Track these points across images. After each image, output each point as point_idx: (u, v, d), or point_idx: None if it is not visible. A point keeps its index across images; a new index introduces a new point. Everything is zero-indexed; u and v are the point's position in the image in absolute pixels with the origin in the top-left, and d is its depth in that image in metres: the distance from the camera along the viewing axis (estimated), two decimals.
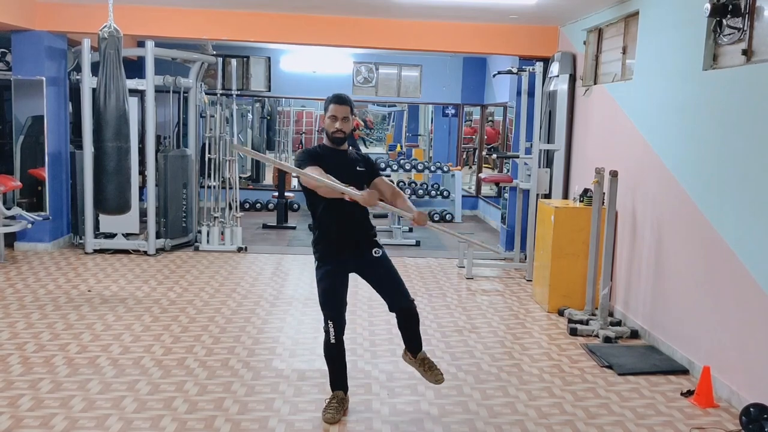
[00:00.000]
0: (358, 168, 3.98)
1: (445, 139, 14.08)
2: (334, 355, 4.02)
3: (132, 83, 7.70)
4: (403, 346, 4.16)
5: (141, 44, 8.35)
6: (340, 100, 3.97)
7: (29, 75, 8.05)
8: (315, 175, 3.63)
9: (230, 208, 8.83)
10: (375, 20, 8.28)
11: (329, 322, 3.94)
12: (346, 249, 3.97)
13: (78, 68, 8.32)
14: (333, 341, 3.96)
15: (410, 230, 10.17)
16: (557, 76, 7.75)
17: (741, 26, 4.52)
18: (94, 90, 6.75)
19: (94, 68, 7.07)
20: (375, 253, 3.97)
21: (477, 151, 13.89)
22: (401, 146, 16.57)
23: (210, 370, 4.68)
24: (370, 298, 6.49)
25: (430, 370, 4.10)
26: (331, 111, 3.93)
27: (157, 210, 8.36)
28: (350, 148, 4.17)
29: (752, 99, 4.31)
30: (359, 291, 6.85)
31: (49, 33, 8.08)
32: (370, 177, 4.01)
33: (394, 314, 4.03)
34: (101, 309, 5.99)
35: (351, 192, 3.61)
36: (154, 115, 8.25)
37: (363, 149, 17.00)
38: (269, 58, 12.04)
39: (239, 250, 8.60)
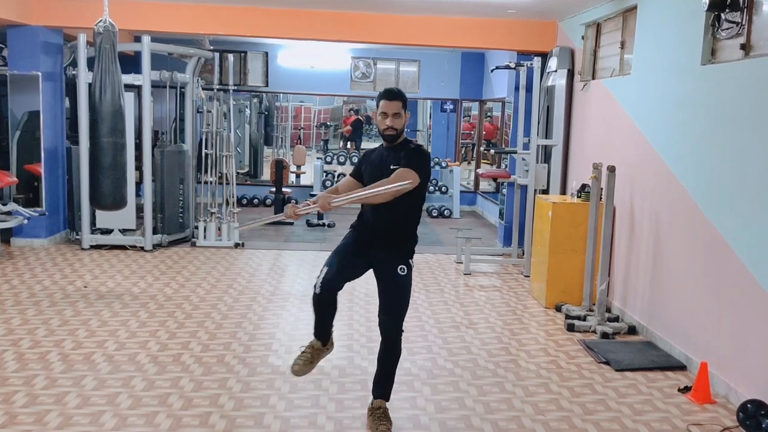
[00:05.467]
0: (391, 167, 3.67)
1: (444, 134, 14.05)
2: (316, 305, 3.73)
3: (128, 78, 7.67)
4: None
5: (137, 39, 8.31)
6: (390, 95, 3.74)
7: (25, 70, 8.01)
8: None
9: (227, 203, 8.80)
10: (373, 15, 8.24)
11: (323, 269, 3.68)
12: (373, 248, 3.76)
13: (74, 63, 8.28)
14: (317, 291, 3.66)
15: None
16: (555, 71, 7.73)
17: (739, 20, 4.49)
18: (89, 85, 6.72)
19: (91, 63, 7.03)
20: (400, 270, 3.71)
21: (475, 146, 13.86)
22: None
23: (206, 366, 4.66)
24: (367, 294, 6.47)
25: (376, 421, 3.79)
26: (382, 107, 3.71)
27: (153, 206, 8.33)
28: (408, 141, 3.84)
29: (751, 94, 4.29)
30: (357, 287, 6.83)
31: (45, 28, 8.04)
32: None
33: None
34: (97, 305, 5.97)
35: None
36: (151, 111, 8.22)
37: (363, 144, 16.97)
38: (267, 53, 11.99)
39: (236, 245, 8.58)
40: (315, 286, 3.68)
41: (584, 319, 5.84)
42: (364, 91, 12.41)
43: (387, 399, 3.89)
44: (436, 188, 12.13)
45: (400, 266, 3.73)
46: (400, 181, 3.53)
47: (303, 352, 3.87)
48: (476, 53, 12.06)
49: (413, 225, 3.86)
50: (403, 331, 3.81)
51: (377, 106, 3.78)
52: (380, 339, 3.83)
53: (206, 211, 8.73)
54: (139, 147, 8.31)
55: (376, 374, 3.89)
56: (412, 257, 3.81)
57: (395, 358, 3.84)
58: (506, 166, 10.04)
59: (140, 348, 4.96)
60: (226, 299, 6.30)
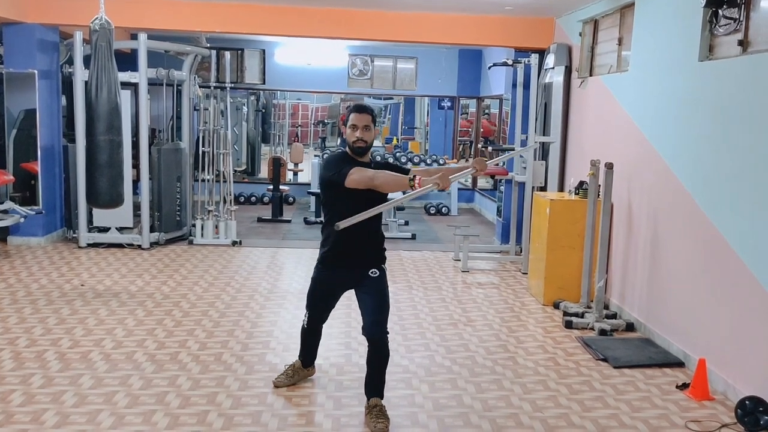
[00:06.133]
0: None
1: (441, 131, 14.05)
2: (306, 335, 4.32)
3: (125, 76, 7.65)
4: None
5: (134, 36, 8.28)
6: (359, 109, 3.85)
7: (21, 68, 7.98)
8: (374, 172, 3.65)
9: (225, 201, 8.78)
10: (370, 12, 8.22)
11: (307, 313, 4.21)
12: (348, 261, 3.93)
13: (70, 61, 8.26)
14: (306, 326, 4.24)
15: (406, 223, 10.14)
16: (553, 67, 7.71)
17: (737, 17, 4.49)
18: (86, 83, 6.70)
19: (87, 61, 7.00)
20: (372, 273, 3.92)
21: (473, 143, 13.85)
22: (397, 139, 16.53)
23: (203, 364, 4.65)
24: None
25: (374, 419, 3.79)
26: (352, 120, 3.80)
27: (151, 204, 8.31)
28: (372, 159, 4.00)
29: (748, 90, 4.28)
30: None
31: (41, 26, 8.01)
32: None
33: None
34: (94, 303, 5.96)
35: (424, 180, 3.48)
36: (148, 108, 8.20)
37: None
38: (264, 51, 11.98)
39: (234, 243, 8.56)
40: (304, 324, 4.23)
41: (582, 316, 5.84)
42: (362, 88, 12.38)
43: (382, 397, 3.93)
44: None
45: (372, 270, 3.95)
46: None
47: (285, 370, 4.40)
48: (473, 50, 12.04)
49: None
50: (388, 332, 3.91)
51: (347, 121, 3.85)
52: (367, 343, 3.94)
53: (203, 209, 8.71)
54: (136, 145, 8.29)
55: (367, 377, 3.97)
56: (384, 257, 4.05)
57: (384, 359, 3.92)
58: (504, 164, 10.03)
59: (137, 346, 4.95)
60: (224, 297, 6.28)
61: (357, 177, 3.64)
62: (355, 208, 3.63)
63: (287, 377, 4.33)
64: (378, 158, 4.15)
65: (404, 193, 4.34)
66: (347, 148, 3.89)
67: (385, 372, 3.94)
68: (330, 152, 4.83)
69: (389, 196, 4.22)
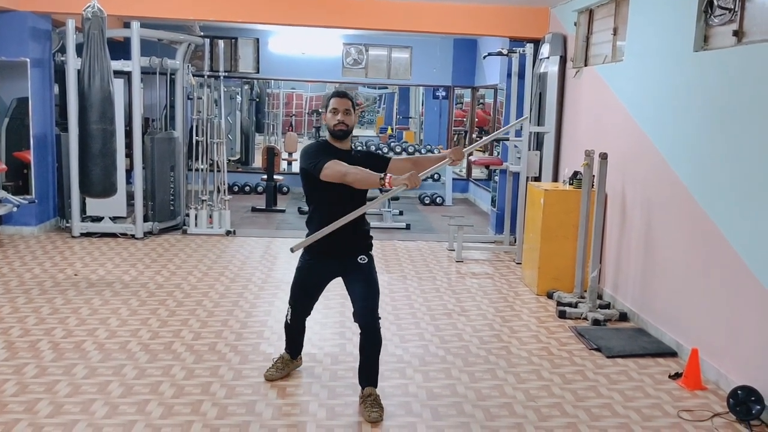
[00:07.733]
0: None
1: (436, 121, 14.03)
2: (290, 331, 4.30)
3: (118, 65, 7.60)
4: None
5: (127, 25, 8.23)
6: (339, 94, 3.89)
7: (13, 56, 7.92)
8: (347, 167, 3.62)
9: (218, 191, 8.76)
10: (364, 1, 8.17)
11: (290, 308, 4.19)
12: (335, 251, 3.88)
13: (63, 49, 8.20)
14: (289, 322, 4.23)
15: (400, 213, 10.14)
16: (547, 57, 7.70)
17: (732, 7, 4.48)
18: (78, 71, 6.65)
19: (79, 49, 6.96)
20: (360, 260, 3.92)
21: (467, 133, 13.84)
22: (392, 129, 16.51)
23: (197, 354, 4.65)
24: None
25: (368, 408, 3.82)
26: (332, 104, 3.82)
27: (144, 193, 8.28)
28: (353, 147, 4.04)
29: (743, 80, 4.28)
30: None
31: (33, 13, 7.95)
32: (379, 169, 3.73)
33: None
34: (88, 293, 5.94)
35: (394, 180, 3.49)
36: (141, 97, 8.15)
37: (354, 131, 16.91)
38: (258, 40, 11.92)
39: (228, 233, 8.55)
40: (287, 319, 4.22)
41: (576, 306, 5.86)
42: (356, 77, 12.34)
43: (376, 385, 3.94)
44: (429, 176, 12.11)
45: (360, 256, 3.94)
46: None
47: (274, 362, 4.37)
48: (468, 40, 12.00)
49: None
50: (380, 317, 3.93)
51: (326, 106, 3.88)
52: (360, 333, 3.93)
53: (197, 198, 8.68)
54: (129, 134, 8.25)
55: (360, 365, 3.97)
56: (371, 245, 4.05)
57: (377, 346, 3.93)
58: (498, 154, 10.04)
59: (131, 336, 4.94)
60: (218, 287, 6.28)
61: (330, 172, 3.63)
62: (332, 200, 3.76)
63: (277, 370, 4.30)
64: (359, 147, 4.12)
65: (381, 191, 4.47)
66: (328, 134, 3.90)
67: (378, 360, 3.94)
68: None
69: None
